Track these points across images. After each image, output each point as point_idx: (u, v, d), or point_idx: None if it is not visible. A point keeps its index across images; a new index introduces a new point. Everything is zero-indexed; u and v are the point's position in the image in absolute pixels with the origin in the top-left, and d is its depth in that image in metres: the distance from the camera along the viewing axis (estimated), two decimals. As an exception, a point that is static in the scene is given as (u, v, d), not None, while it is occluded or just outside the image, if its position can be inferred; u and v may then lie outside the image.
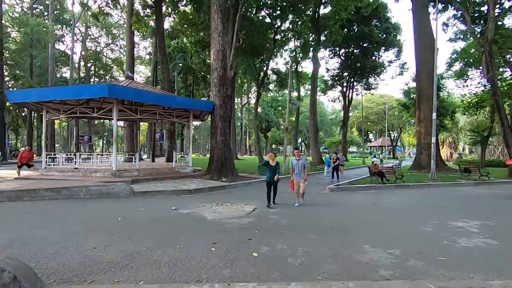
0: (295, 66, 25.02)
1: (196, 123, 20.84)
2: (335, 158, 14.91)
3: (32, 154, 12.60)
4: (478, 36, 21.23)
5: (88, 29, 52.46)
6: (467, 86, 31.22)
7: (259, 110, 74.46)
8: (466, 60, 27.38)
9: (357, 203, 8.63)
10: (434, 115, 13.77)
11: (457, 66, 30.48)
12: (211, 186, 10.49)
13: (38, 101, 10.63)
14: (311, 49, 23.52)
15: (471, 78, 30.62)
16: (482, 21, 22.13)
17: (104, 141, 75.30)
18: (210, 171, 13.33)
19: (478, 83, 28.87)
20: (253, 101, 70.55)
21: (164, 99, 11.67)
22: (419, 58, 21.82)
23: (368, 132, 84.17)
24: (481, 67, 28.40)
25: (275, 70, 23.44)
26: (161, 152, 47.93)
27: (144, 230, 5.21)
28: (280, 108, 76.34)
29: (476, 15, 22.04)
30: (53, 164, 12.32)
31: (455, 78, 30.80)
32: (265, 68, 22.85)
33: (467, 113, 32.81)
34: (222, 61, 13.60)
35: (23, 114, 44.80)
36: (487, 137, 26.76)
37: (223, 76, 13.64)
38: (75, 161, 11.85)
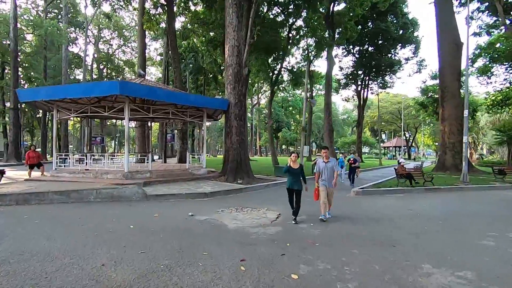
0: (308, 65, 24.10)
1: (207, 123, 20.35)
2: (352, 159, 13.62)
3: (39, 153, 12.26)
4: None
5: (101, 31, 53.04)
6: (490, 83, 29.66)
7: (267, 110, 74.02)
8: (490, 55, 25.91)
9: (390, 209, 7.79)
10: (466, 112, 12.74)
11: (479, 62, 29.01)
12: (227, 189, 9.83)
13: (47, 99, 10.21)
14: (326, 47, 22.60)
15: (495, 75, 29.07)
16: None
17: (116, 142, 76.11)
18: (225, 173, 12.68)
19: (504, 79, 27.27)
20: (263, 101, 69.89)
21: (178, 96, 11.09)
22: (442, 52, 20.66)
23: (381, 132, 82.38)
24: (506, 63, 27.02)
25: (289, 68, 22.62)
26: (172, 153, 47.80)
27: (160, 241, 4.57)
28: (290, 108, 75.43)
29: (505, 6, 20.71)
30: (64, 165, 11.91)
31: (478, 74, 29.27)
32: (278, 66, 22.09)
33: (490, 111, 31.25)
34: (237, 57, 12.95)
35: (37, 115, 45.42)
36: (515, 136, 25.22)
37: (238, 72, 12.99)
38: (86, 162, 11.40)
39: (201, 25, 26.90)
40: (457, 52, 20.12)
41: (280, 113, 69.34)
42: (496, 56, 25.91)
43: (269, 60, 21.52)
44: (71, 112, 11.57)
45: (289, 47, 21.77)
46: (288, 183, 6.25)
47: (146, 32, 27.31)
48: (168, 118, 17.24)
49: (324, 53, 26.96)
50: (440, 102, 20.94)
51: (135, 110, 13.11)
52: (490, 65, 28.06)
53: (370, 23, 32.51)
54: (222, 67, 34.25)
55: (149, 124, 21.21)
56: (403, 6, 32.45)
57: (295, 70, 22.90)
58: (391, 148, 65.46)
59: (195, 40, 34.54)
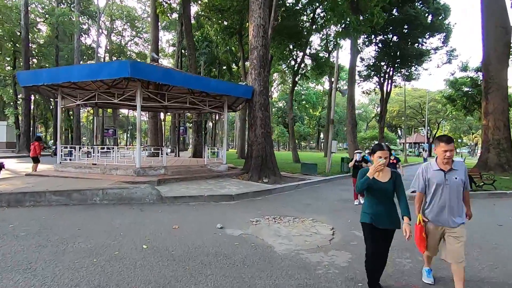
0: (337, 51, 21.99)
1: (226, 114, 18.76)
2: (394, 158, 11.34)
3: (35, 146, 11.09)
4: None
5: (113, 22, 52.16)
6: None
7: (280, 104, 71.86)
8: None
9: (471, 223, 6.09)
10: (533, 103, 10.77)
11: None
12: (255, 191, 8.32)
13: (50, 83, 8.89)
14: (354, 33, 20.57)
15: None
16: None
17: (129, 135, 75.97)
18: (248, 170, 11.19)
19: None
20: (275, 94, 67.90)
21: (197, 81, 9.57)
22: (488, 38, 18.39)
23: (398, 128, 79.28)
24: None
25: (314, 53, 20.79)
26: (183, 146, 46.82)
27: (185, 275, 3.09)
28: (304, 102, 73.34)
29: None
30: (69, 159, 10.67)
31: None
32: (301, 54, 20.33)
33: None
34: (263, 38, 11.32)
35: (51, 107, 45.03)
36: None
37: (264, 56, 11.38)
38: (93, 156, 10.11)
39: (216, 12, 25.36)
40: (505, 36, 17.82)
41: (294, 107, 67.39)
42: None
43: (291, 47, 19.71)
44: (77, 99, 10.24)
45: (312, 33, 19.91)
46: (369, 211, 2.89)
47: (159, 20, 25.97)
48: (184, 108, 15.89)
49: (346, 43, 24.89)
50: (484, 94, 18.73)
51: (147, 98, 11.70)
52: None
53: (395, 10, 30.08)
54: (237, 57, 32.66)
55: (162, 115, 19.91)
56: (435, -11, 29.85)
57: (320, 56, 21.02)
58: (412, 144, 62.72)
59: (209, 28, 33.08)
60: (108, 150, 11.46)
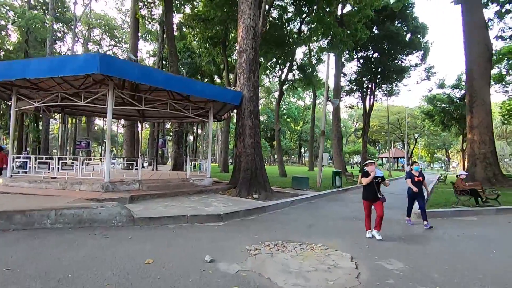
0: (328, 60, 21.73)
1: (208, 124, 17.58)
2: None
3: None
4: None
5: (91, 30, 50.15)
6: (506, 91, 28.16)
7: (262, 118, 71.60)
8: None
9: (502, 252, 5.25)
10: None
11: (494, 70, 27.47)
12: (247, 209, 7.12)
13: (1, 80, 7.38)
14: (341, 45, 20.41)
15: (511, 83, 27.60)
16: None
17: (104, 148, 72.22)
18: (236, 184, 9.98)
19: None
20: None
21: (180, 83, 8.40)
22: (470, 54, 18.72)
23: (376, 143, 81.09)
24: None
25: (301, 63, 20.29)
26: (162, 160, 44.62)
27: None
28: (285, 116, 73.70)
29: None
30: (22, 172, 8.98)
31: (494, 82, 27.72)
32: (288, 65, 19.78)
33: (506, 121, 29.71)
34: (253, 40, 10.45)
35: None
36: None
37: (254, 59, 10.47)
38: (53, 168, 8.53)
39: (199, 22, 24.68)
40: (486, 52, 18.21)
41: (275, 121, 67.32)
42: (517, 62, 24.43)
43: (278, 56, 19.12)
44: (36, 100, 8.71)
45: (300, 43, 19.49)
46: None
47: (139, 28, 24.88)
48: (164, 117, 14.58)
49: (327, 57, 24.93)
50: (468, 109, 18.87)
51: (122, 102, 10.32)
52: (506, 72, 26.65)
53: (375, 28, 30.84)
54: (220, 69, 31.91)
55: (139, 126, 18.36)
56: (413, 9, 30.97)
57: (307, 68, 20.56)
58: (390, 158, 63.87)
59: (192, 38, 32.38)
60: (73, 163, 9.87)
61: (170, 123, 23.56)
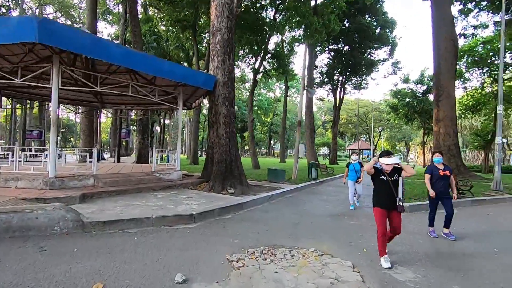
0: (306, 47, 21.18)
1: (173, 113, 16.19)
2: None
3: None
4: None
5: (42, 7, 44.93)
6: (465, 87, 29.90)
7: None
8: (471, 58, 25.69)
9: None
10: (499, 108, 10.80)
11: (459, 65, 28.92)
12: (223, 206, 6.26)
13: None
14: (316, 35, 19.92)
15: (469, 79, 29.32)
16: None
17: (60, 138, 66.40)
18: (209, 178, 9.06)
19: (483, 84, 27.39)
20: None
21: (144, 61, 7.16)
22: (438, 49, 19.23)
23: (343, 135, 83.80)
24: (479, 68, 27.15)
25: (275, 52, 19.46)
26: (126, 152, 41.86)
27: None
28: (256, 108, 73.34)
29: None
30: None
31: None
32: (262, 52, 18.89)
33: (463, 116, 31.63)
34: (228, 18, 9.41)
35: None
36: (490, 141, 25.22)
37: (229, 40, 9.46)
38: (-19, 161, 6.97)
39: (167, 3, 22.88)
40: (453, 48, 18.84)
41: (246, 112, 66.69)
42: (476, 60, 25.88)
43: (253, 42, 18.14)
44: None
45: (274, 31, 18.66)
46: None
47: (98, 4, 22.43)
48: (126, 104, 13.07)
49: (301, 50, 24.45)
50: (435, 102, 19.50)
51: (74, 83, 8.79)
52: (466, 69, 28.20)
53: (346, 21, 31.04)
54: (191, 54, 30.19)
55: (98, 113, 16.47)
56: (383, 4, 31.53)
57: (283, 54, 19.79)
58: (357, 150, 66.26)
59: (158, 21, 30.23)
60: (8, 154, 8.21)
61: (134, 111, 21.75)
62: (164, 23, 28.17)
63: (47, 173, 6.39)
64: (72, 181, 6.67)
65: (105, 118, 60.82)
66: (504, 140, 38.56)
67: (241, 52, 21.15)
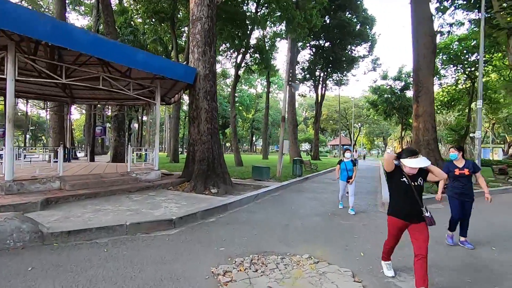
0: (290, 41, 21.01)
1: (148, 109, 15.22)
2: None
3: None
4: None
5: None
6: (440, 84, 30.86)
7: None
8: (446, 55, 26.48)
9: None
10: (479, 103, 10.98)
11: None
12: (206, 208, 5.77)
13: None
14: (299, 29, 19.64)
15: (445, 76, 30.28)
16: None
17: (29, 136, 62.57)
18: (190, 177, 8.51)
19: (457, 81, 28.36)
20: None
21: (115, 50, 6.45)
22: (417, 45, 19.50)
23: (323, 131, 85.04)
24: (453, 65, 28.10)
25: (258, 45, 18.92)
26: (102, 150, 39.98)
27: None
28: (237, 104, 72.66)
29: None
30: None
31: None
32: (244, 46, 18.31)
33: (438, 111, 32.68)
34: (208, 7, 8.83)
35: None
36: (465, 136, 26.22)
37: (210, 30, 8.88)
38: None
39: (143, -7, 21.84)
40: (431, 44, 19.19)
41: (227, 108, 66.09)
42: (451, 57, 26.72)
43: (234, 35, 17.53)
44: None
45: (256, 21, 18.12)
46: None
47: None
48: (99, 99, 12.18)
49: (283, 46, 24.14)
50: (415, 98, 19.79)
51: (37, 75, 7.90)
52: (441, 66, 29.09)
53: (327, 18, 31.12)
54: (169, 48, 29.12)
55: (68, 109, 15.28)
56: (363, 1, 31.82)
57: (265, 50, 19.32)
58: (339, 146, 67.34)
59: (135, 12, 28.88)
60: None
61: (109, 106, 20.55)
62: (140, 14, 26.85)
63: (3, 175, 5.61)
64: (34, 185, 5.92)
65: (80, 115, 57.91)
66: (475, 134, 40.46)
67: (223, 46, 20.49)
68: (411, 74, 35.02)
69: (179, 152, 29.29)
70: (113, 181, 7.31)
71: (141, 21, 30.39)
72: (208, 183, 8.21)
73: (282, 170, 13.30)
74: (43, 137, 66.24)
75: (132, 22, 30.14)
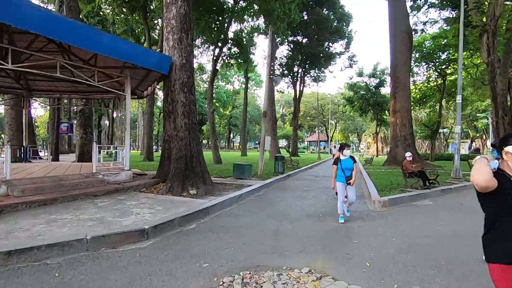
0: (271, 33, 20.60)
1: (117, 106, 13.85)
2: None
3: None
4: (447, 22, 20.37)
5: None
6: (414, 81, 31.79)
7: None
8: (420, 53, 27.22)
9: None
10: (458, 98, 11.06)
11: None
12: (184, 214, 5.05)
13: None
14: (278, 22, 19.12)
15: (417, 73, 31.22)
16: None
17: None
18: (166, 178, 7.71)
19: (428, 78, 29.32)
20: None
21: (74, 30, 5.48)
22: (395, 42, 19.77)
23: (300, 127, 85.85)
24: (425, 62, 29.04)
25: (236, 38, 18.06)
26: (69, 149, 37.35)
27: None
28: (214, 101, 71.25)
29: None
30: None
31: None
32: (222, 40, 17.47)
33: (412, 108, 33.73)
34: (184, -11, 8.00)
35: None
36: (436, 131, 27.20)
37: (186, 15, 8.06)
38: None
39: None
40: (408, 41, 19.49)
41: (204, 104, 64.64)
42: (424, 55, 27.52)
43: (212, 26, 16.63)
44: None
45: (236, 11, 17.32)
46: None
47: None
48: (61, 92, 10.92)
49: (261, 42, 23.65)
50: (392, 94, 20.11)
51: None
52: (414, 63, 29.95)
53: (305, 14, 30.97)
54: (141, 40, 27.50)
55: (25, 103, 13.66)
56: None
57: (244, 44, 18.57)
58: (316, 142, 68.22)
59: (102, 1, 26.92)
60: None
61: (75, 100, 18.94)
62: (109, 2, 25.02)
63: None
64: (-28, 191, 4.88)
65: (45, 111, 53.71)
66: (445, 130, 42.47)
67: (200, 39, 19.47)
68: (385, 71, 35.91)
69: (154, 150, 27.90)
70: (74, 184, 6.34)
71: (110, 11, 28.48)
72: (186, 183, 7.46)
73: (264, 168, 12.78)
74: (1, 135, 61.15)
75: (101, 12, 28.18)
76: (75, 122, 26.58)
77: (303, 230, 4.77)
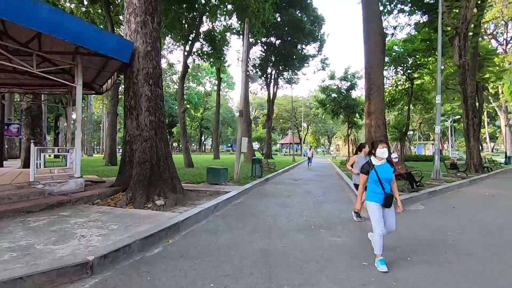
0: (244, 28, 19.69)
1: (75, 99, 12.03)
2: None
3: None
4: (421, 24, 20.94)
5: None
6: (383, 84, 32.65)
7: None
8: (388, 57, 27.92)
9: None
10: (438, 98, 10.94)
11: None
12: (147, 235, 3.92)
13: None
14: (253, 19, 18.34)
15: (386, 77, 32.13)
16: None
17: None
18: (127, 186, 6.45)
19: (397, 82, 30.19)
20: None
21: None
22: (369, 43, 19.76)
23: (273, 130, 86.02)
24: (394, 66, 29.97)
25: (209, 34, 16.84)
26: (19, 153, 33.58)
27: None
28: (185, 103, 69.00)
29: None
30: None
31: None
32: (193, 34, 16.26)
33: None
34: (149, -36, 6.84)
35: None
36: (405, 133, 28.02)
37: (152, -5, 6.90)
38: None
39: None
40: (381, 43, 19.63)
41: (174, 106, 62.19)
42: (394, 59, 28.32)
43: (182, 19, 15.38)
44: None
45: (207, 9, 16.24)
46: None
47: None
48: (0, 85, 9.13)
49: (235, 42, 22.75)
50: (367, 95, 20.08)
51: None
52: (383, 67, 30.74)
53: (278, 15, 30.68)
54: (104, 33, 25.28)
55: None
56: (312, 0, 32.06)
57: (217, 40, 17.41)
58: (288, 144, 68.42)
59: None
60: None
61: (19, 94, 16.58)
62: (67, -8, 22.76)
63: None
64: None
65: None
66: (410, 132, 44.35)
67: (169, 37, 18.05)
68: (356, 75, 36.64)
69: (117, 153, 25.75)
70: (3, 198, 4.90)
71: (68, 2, 25.99)
72: (151, 192, 6.27)
73: (240, 171, 11.79)
74: None
75: (59, 6, 25.64)
76: (23, 124, 23.71)
77: (297, 249, 3.86)
